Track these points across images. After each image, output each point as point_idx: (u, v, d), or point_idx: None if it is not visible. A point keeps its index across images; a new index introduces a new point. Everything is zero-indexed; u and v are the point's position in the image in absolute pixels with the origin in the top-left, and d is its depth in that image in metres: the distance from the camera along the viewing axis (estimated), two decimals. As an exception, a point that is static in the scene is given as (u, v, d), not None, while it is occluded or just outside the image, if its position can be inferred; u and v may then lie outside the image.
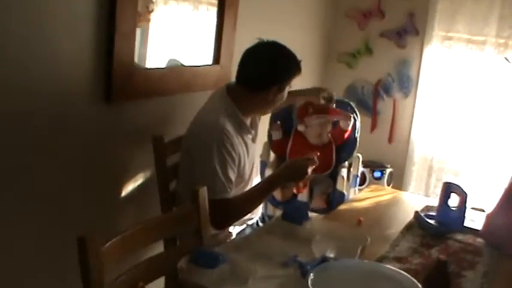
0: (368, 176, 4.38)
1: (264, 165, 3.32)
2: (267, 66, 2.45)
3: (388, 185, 4.47)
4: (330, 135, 3.22)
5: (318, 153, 2.53)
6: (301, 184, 2.77)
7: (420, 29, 4.43)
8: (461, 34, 4.24)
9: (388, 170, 4.50)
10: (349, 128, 3.19)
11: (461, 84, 4.33)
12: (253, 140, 2.62)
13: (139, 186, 2.73)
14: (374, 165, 4.46)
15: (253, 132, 2.60)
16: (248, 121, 2.56)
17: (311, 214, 2.41)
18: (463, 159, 4.42)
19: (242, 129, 2.49)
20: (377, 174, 4.44)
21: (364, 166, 3.46)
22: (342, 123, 3.19)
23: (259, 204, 2.63)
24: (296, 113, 3.23)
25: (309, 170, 2.48)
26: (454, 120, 4.40)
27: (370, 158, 4.29)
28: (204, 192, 2.00)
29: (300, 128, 3.19)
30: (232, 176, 2.39)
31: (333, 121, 3.18)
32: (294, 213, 2.19)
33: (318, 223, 2.32)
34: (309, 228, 2.19)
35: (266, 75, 2.45)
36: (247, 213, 2.54)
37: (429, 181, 4.56)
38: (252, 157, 2.61)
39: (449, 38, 4.30)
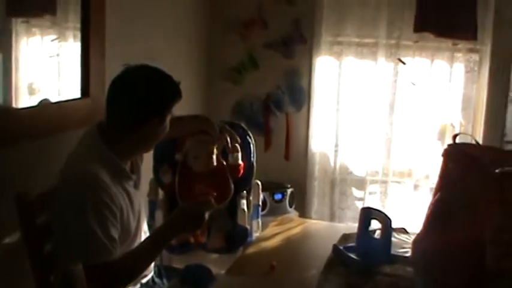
0: (268, 200, 4.06)
1: (153, 205, 2.89)
2: (139, 96, 2.02)
3: (291, 206, 4.20)
4: (221, 160, 2.80)
5: (215, 194, 2.16)
6: (198, 232, 2.39)
7: (307, 36, 4.18)
8: (351, 38, 4.06)
9: (289, 190, 4.21)
10: (240, 162, 2.80)
11: (356, 89, 4.17)
12: (136, 186, 2.18)
13: (6, 255, 2.26)
14: (273, 187, 4.13)
15: (134, 177, 2.17)
16: (128, 165, 2.13)
17: (212, 260, 2.04)
18: (365, 169, 4.26)
19: (121, 176, 2.06)
20: (278, 196, 4.13)
21: (263, 190, 3.15)
22: (230, 159, 2.78)
23: (151, 261, 2.19)
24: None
25: (206, 216, 2.10)
26: (352, 128, 4.24)
27: (267, 179, 3.89)
28: (80, 272, 1.55)
29: (178, 156, 2.77)
30: (116, 233, 1.95)
31: (213, 142, 2.72)
32: (194, 275, 1.79)
33: (225, 282, 1.93)
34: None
35: (140, 107, 2.03)
36: (138, 275, 2.13)
37: (333, 196, 4.36)
38: (138, 206, 2.18)
39: (339, 43, 4.11)
